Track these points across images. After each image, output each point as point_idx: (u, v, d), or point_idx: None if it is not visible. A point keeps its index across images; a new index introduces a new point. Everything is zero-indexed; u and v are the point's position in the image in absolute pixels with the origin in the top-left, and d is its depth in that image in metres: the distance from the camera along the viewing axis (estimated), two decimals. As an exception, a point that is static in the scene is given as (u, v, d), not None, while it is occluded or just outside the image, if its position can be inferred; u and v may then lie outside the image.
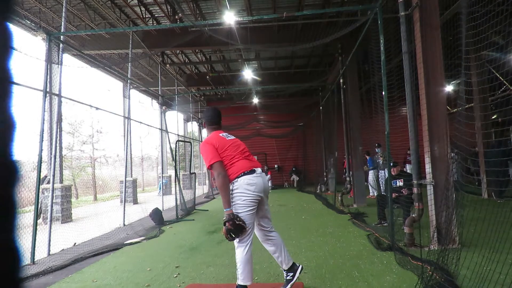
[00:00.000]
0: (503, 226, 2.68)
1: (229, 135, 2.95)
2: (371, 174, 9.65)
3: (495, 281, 2.35)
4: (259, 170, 2.77)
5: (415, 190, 4.18)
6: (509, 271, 2.31)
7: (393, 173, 5.53)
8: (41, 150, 4.67)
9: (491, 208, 4.45)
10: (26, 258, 4.34)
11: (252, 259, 2.70)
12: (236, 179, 2.67)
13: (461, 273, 2.78)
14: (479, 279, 2.47)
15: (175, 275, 3.59)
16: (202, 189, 16.44)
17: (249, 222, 2.65)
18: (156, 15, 9.41)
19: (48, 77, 5.12)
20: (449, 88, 12.30)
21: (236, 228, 2.52)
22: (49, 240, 4.81)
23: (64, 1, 6.14)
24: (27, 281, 3.63)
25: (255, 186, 2.66)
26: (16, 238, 0.38)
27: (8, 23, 0.39)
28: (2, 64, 0.38)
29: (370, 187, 9.87)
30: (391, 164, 5.45)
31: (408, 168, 9.87)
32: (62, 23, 6.14)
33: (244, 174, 2.66)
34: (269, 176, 16.01)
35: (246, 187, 2.63)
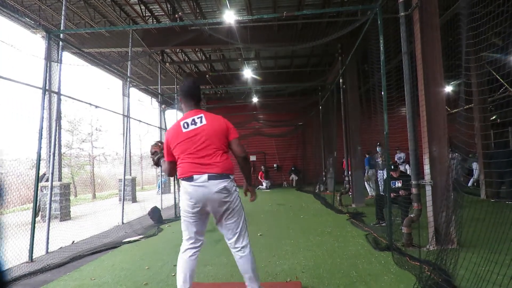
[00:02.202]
0: (501, 227, 2.69)
1: (192, 123, 2.37)
2: (369, 173, 9.66)
3: (492, 282, 2.36)
4: (202, 177, 2.26)
5: (413, 190, 4.19)
6: (507, 271, 2.32)
7: (394, 176, 5.54)
8: (40, 148, 4.67)
9: (490, 209, 4.46)
10: (24, 256, 4.34)
11: (185, 267, 2.40)
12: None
13: (459, 273, 2.78)
14: (477, 279, 2.47)
15: (173, 274, 3.58)
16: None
17: (183, 230, 2.45)
18: (156, 14, 9.39)
19: (48, 75, 5.11)
20: (448, 88, 12.31)
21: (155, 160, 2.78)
22: (48, 238, 4.81)
23: (64, -1, 6.13)
24: (25, 278, 3.63)
25: (189, 196, 2.29)
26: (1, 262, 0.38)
27: None
28: None
29: (368, 187, 9.88)
30: (392, 168, 5.45)
31: (403, 168, 9.88)
32: (62, 21, 6.12)
33: (183, 179, 2.31)
34: (267, 181, 16.03)
35: (182, 195, 2.35)
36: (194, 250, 2.46)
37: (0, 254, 0.39)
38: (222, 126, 2.40)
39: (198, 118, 2.37)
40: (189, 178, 2.28)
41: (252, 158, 17.42)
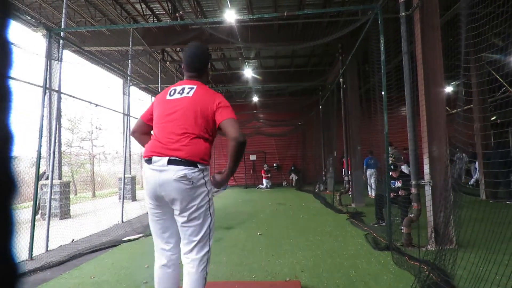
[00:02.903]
0: (499, 227, 2.70)
1: (180, 92, 1.96)
2: (368, 173, 9.67)
3: (491, 282, 2.36)
4: (161, 160, 1.81)
5: (413, 190, 4.20)
6: (505, 271, 2.33)
7: (394, 176, 5.55)
8: (40, 146, 4.67)
9: (489, 209, 4.47)
10: (24, 254, 4.35)
11: (158, 282, 1.98)
12: None
13: (458, 273, 2.79)
14: (476, 279, 2.48)
15: (173, 272, 3.59)
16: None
17: (151, 228, 2.02)
18: (156, 13, 9.39)
19: (48, 73, 5.11)
20: (448, 89, 12.31)
21: None
22: (47, 236, 4.81)
23: (64, -3, 6.13)
24: (24, 276, 3.64)
25: (147, 182, 1.88)
26: (13, 255, 0.39)
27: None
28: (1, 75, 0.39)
29: (368, 187, 9.89)
30: (391, 167, 5.46)
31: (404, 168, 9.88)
32: (63, 19, 6.12)
33: (145, 160, 1.90)
34: (268, 180, 16.03)
35: (143, 180, 1.93)
36: (166, 257, 1.96)
37: (13, 247, 0.39)
38: (207, 104, 1.89)
39: (189, 88, 1.96)
40: (149, 160, 1.86)
41: (252, 157, 17.44)
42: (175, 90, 1.98)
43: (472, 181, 10.43)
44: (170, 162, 1.80)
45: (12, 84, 0.40)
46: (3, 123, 0.38)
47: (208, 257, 1.92)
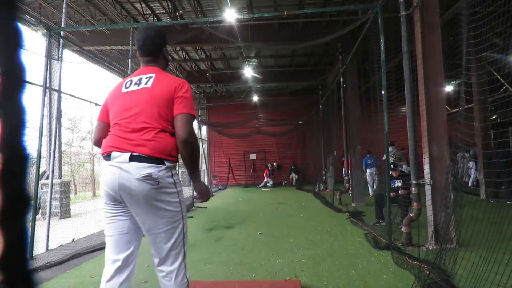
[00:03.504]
0: (499, 227, 2.70)
1: (137, 83, 1.74)
2: (368, 172, 9.68)
3: (490, 281, 2.36)
4: (122, 156, 1.57)
5: (413, 189, 4.20)
6: (505, 271, 2.33)
7: (394, 175, 5.55)
8: (40, 146, 4.67)
9: (489, 209, 4.47)
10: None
11: None
12: None
13: (458, 272, 2.79)
14: (476, 279, 2.48)
15: (173, 272, 3.60)
16: (201, 187, 16.43)
17: (105, 234, 1.71)
18: (156, 12, 9.38)
19: (48, 72, 5.11)
20: (449, 88, 12.31)
21: None
22: (48, 236, 4.82)
23: (64, -3, 6.13)
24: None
25: (104, 181, 1.64)
26: (28, 265, 0.42)
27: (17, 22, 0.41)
28: (14, 60, 0.40)
29: (369, 187, 9.90)
30: (391, 167, 5.47)
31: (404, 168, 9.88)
32: (63, 19, 6.12)
33: (104, 157, 1.67)
34: (269, 180, 16.03)
35: (101, 179, 1.69)
36: (115, 271, 1.65)
37: (27, 258, 0.42)
38: (169, 93, 1.67)
39: (146, 78, 1.74)
40: (108, 156, 1.62)
41: (253, 157, 17.44)
42: (131, 81, 1.76)
43: (470, 182, 10.42)
44: (132, 159, 1.56)
45: (25, 99, 0.41)
46: (20, 143, 0.40)
47: (185, 264, 1.71)
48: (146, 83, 1.71)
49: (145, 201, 1.57)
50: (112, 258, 1.67)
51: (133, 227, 1.70)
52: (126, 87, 1.74)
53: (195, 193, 1.83)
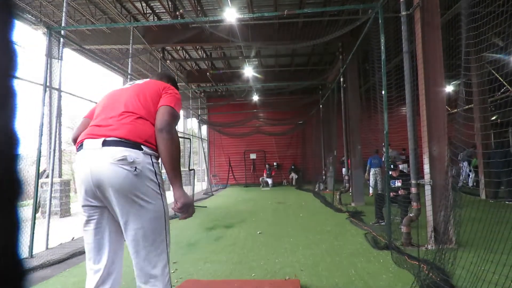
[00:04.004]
0: (497, 226, 2.70)
1: (134, 83, 1.76)
2: (372, 172, 9.64)
3: (488, 281, 2.37)
4: (94, 142, 1.44)
5: (413, 189, 4.20)
6: (503, 271, 2.33)
7: (394, 175, 5.56)
8: (40, 144, 4.67)
9: (487, 209, 4.48)
10: (24, 252, 4.36)
11: None
12: None
13: (457, 272, 2.80)
14: (475, 278, 2.49)
15: (172, 271, 3.60)
16: (201, 186, 16.48)
17: (84, 242, 1.55)
18: (157, 11, 9.38)
19: (48, 71, 5.12)
20: (449, 88, 12.31)
21: None
22: (48, 234, 4.82)
23: (65, -5, 6.13)
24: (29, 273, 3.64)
25: (77, 176, 1.49)
26: (18, 252, 0.41)
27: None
28: (4, 79, 0.40)
29: (370, 187, 9.89)
30: (391, 167, 5.47)
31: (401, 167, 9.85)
32: (63, 18, 6.12)
33: (77, 150, 1.53)
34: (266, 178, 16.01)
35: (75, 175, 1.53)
36: (98, 281, 1.48)
37: (19, 245, 0.41)
38: (155, 89, 1.64)
39: (140, 80, 1.80)
40: (80, 146, 1.50)
41: (252, 156, 17.43)
42: (131, 83, 1.77)
43: (470, 182, 10.41)
44: (105, 144, 1.42)
45: (16, 84, 0.41)
46: (9, 124, 0.39)
47: (169, 271, 1.51)
48: (137, 82, 1.74)
49: (122, 193, 1.39)
50: (93, 268, 1.51)
51: (114, 232, 1.53)
52: (117, 89, 1.74)
53: (174, 203, 1.51)
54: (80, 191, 1.48)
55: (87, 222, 1.50)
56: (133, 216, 1.42)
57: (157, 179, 1.48)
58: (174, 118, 1.56)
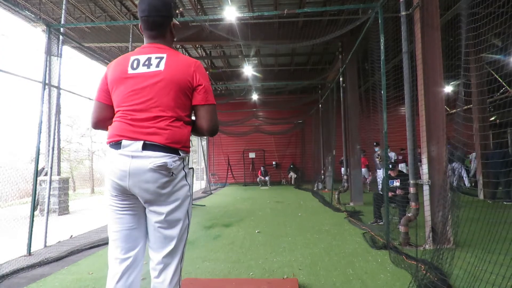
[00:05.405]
0: (495, 227, 2.71)
1: (146, 63, 1.56)
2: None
3: (486, 281, 2.38)
4: (134, 145, 1.46)
5: (411, 189, 4.21)
6: (501, 271, 2.34)
7: (392, 175, 5.57)
8: (39, 142, 4.67)
9: (485, 209, 4.49)
10: (22, 250, 4.36)
11: None
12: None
13: (454, 272, 2.81)
14: (472, 278, 2.50)
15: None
16: (199, 184, 16.47)
17: (111, 230, 1.57)
18: (157, 9, 9.35)
19: (48, 69, 5.10)
20: (448, 88, 12.32)
21: None
22: (46, 232, 4.82)
23: (64, -7, 6.11)
24: (23, 272, 3.64)
25: (111, 171, 1.51)
26: None
27: None
28: None
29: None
30: (390, 166, 5.48)
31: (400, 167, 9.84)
32: (62, 15, 6.11)
33: (110, 146, 1.53)
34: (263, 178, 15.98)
35: (106, 169, 1.54)
36: (124, 270, 1.52)
37: None
38: (184, 79, 1.55)
39: (157, 58, 1.56)
40: (116, 145, 1.49)
41: (252, 155, 17.45)
42: (138, 61, 1.57)
43: (467, 183, 10.42)
44: (145, 147, 1.45)
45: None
46: None
47: (181, 267, 1.60)
48: (157, 65, 1.55)
49: (156, 194, 1.48)
50: (120, 257, 1.53)
51: (142, 222, 1.60)
52: (133, 68, 1.56)
53: None
54: (113, 183, 1.52)
55: (117, 211, 1.55)
56: (165, 213, 1.51)
57: (187, 180, 1.59)
58: (216, 113, 1.65)
